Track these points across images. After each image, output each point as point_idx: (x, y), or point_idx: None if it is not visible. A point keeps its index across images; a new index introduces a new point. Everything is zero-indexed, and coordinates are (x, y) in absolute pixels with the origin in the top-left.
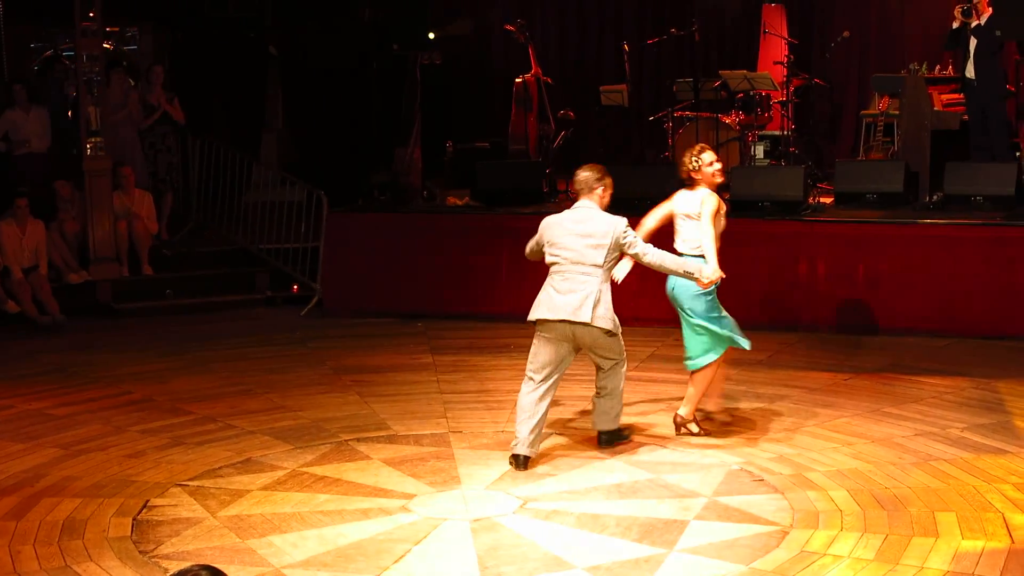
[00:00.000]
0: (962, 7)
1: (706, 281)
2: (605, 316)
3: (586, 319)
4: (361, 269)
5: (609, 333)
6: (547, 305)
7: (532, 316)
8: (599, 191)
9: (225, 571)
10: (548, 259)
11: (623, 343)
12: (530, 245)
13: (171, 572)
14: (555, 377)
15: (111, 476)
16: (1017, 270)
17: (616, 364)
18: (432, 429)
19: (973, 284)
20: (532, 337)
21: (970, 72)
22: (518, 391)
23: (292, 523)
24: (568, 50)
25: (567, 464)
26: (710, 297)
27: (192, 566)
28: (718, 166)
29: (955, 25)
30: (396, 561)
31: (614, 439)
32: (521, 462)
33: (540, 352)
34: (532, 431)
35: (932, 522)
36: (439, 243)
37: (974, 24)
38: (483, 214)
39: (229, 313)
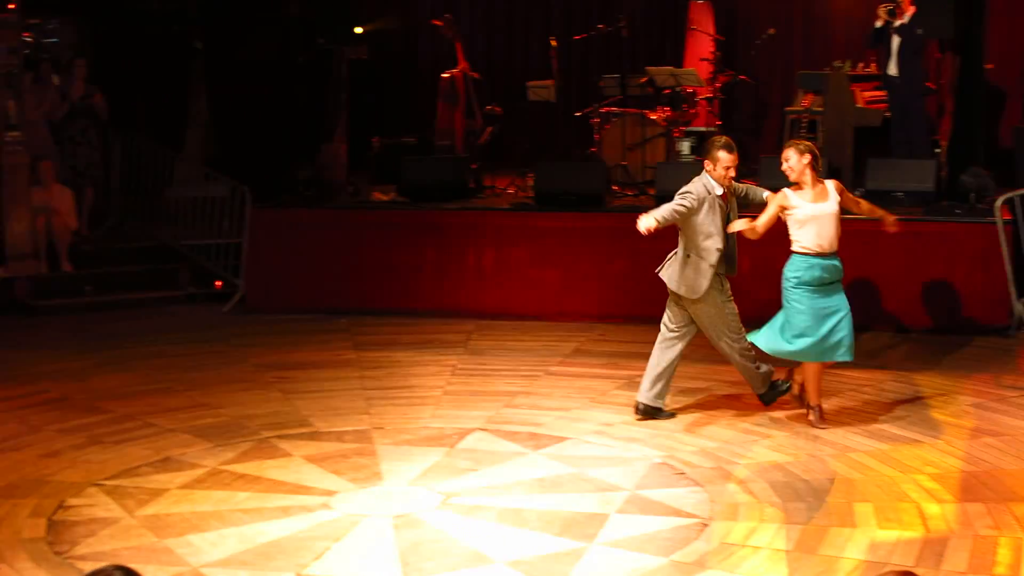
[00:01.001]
0: (886, 7)
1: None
2: (671, 279)
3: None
4: (285, 265)
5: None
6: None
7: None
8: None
9: (141, 571)
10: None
11: (691, 318)
12: None
13: (85, 573)
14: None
15: (26, 476)
16: (935, 264)
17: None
18: (354, 425)
19: (892, 278)
20: (456, 334)
21: (892, 70)
22: (441, 387)
23: (211, 522)
24: (495, 45)
25: (489, 459)
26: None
27: (106, 566)
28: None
29: (878, 24)
30: (316, 559)
31: (648, 414)
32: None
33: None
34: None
35: (849, 513)
36: (364, 239)
37: (897, 23)
38: (409, 210)
39: (150, 310)
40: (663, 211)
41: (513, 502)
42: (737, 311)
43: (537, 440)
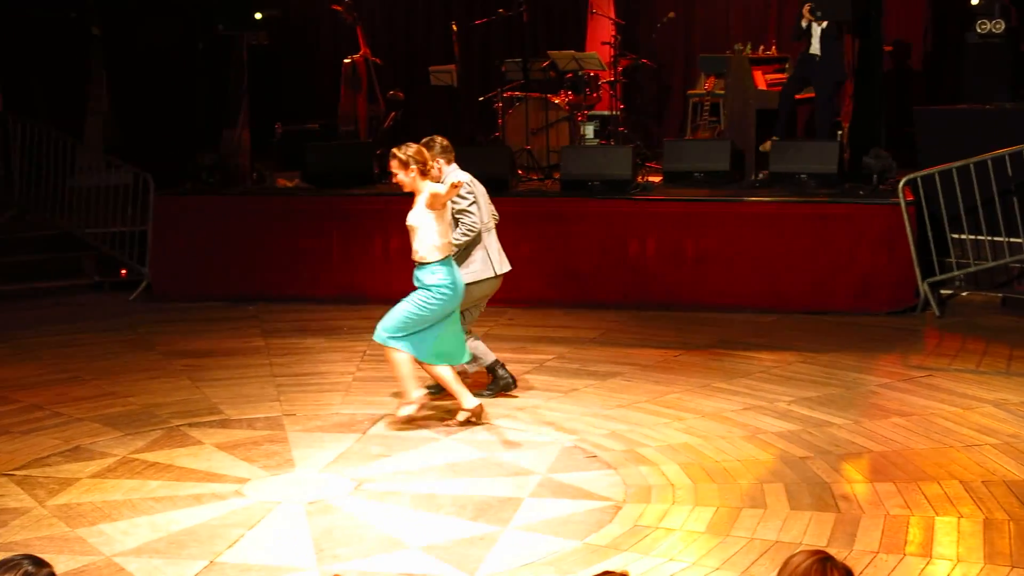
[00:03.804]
0: (810, 6)
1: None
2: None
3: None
4: (190, 253)
5: None
6: (502, 259)
7: (503, 269)
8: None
9: (52, 562)
10: (487, 221)
11: None
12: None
13: None
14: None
15: None
16: (839, 246)
17: None
18: (265, 412)
19: (798, 260)
20: (365, 320)
21: (815, 49)
22: (351, 373)
23: (123, 510)
24: (396, 30)
25: (401, 444)
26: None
27: (15, 556)
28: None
29: (803, 23)
30: (230, 546)
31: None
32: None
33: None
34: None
35: (761, 493)
36: (269, 226)
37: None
38: (313, 196)
39: (55, 299)
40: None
41: (426, 487)
42: None
43: (449, 425)
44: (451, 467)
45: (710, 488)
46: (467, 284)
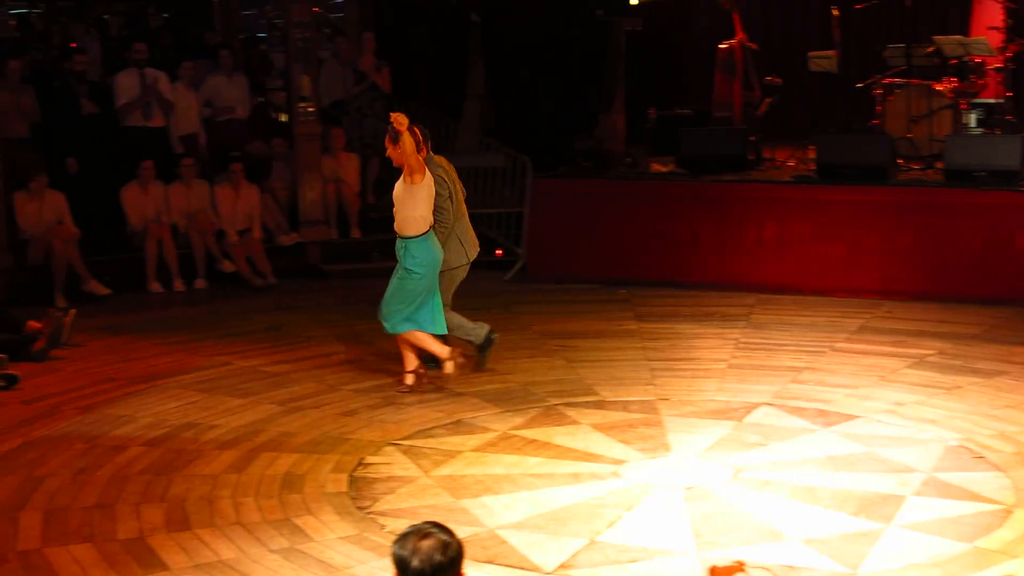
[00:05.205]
0: None
1: None
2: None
3: None
4: (564, 235)
5: None
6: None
7: (474, 254)
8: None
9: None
10: (462, 210)
11: None
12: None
13: (404, 529)
14: None
15: (326, 433)
16: None
17: None
18: (640, 395)
19: None
20: (737, 307)
21: None
22: (724, 360)
23: (504, 485)
24: (773, 15)
25: (778, 434)
26: None
27: (423, 524)
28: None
29: None
30: (609, 526)
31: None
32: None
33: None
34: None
35: None
36: (642, 210)
37: None
38: (687, 181)
39: None
40: None
41: (805, 479)
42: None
43: (826, 417)
44: (831, 460)
45: None
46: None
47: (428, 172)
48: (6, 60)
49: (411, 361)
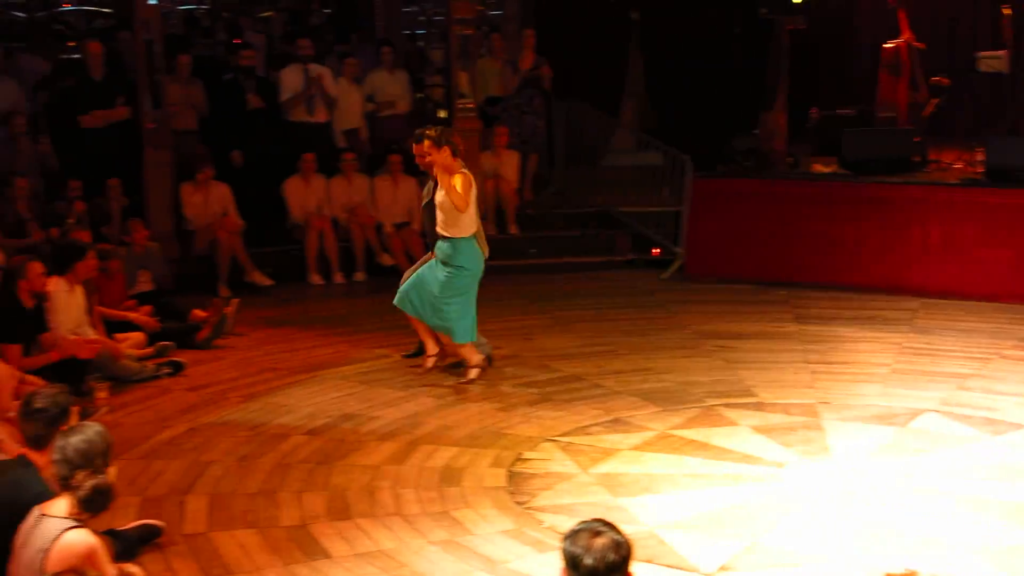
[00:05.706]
0: None
1: None
2: None
3: None
4: (723, 234)
5: None
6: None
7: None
8: None
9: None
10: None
11: None
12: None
13: (572, 526)
14: None
15: (486, 428)
16: None
17: None
18: (800, 398)
19: None
20: (900, 311)
21: None
22: (887, 364)
23: (662, 484)
24: (940, 14)
25: (942, 441)
26: None
27: (593, 522)
28: None
29: None
30: (770, 530)
31: None
32: None
33: None
34: None
35: None
36: (803, 210)
37: None
38: (850, 182)
39: (589, 274)
40: None
41: (971, 488)
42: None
43: (994, 426)
44: (998, 469)
45: None
46: None
47: (470, 174)
48: (176, 55)
49: (432, 346)
